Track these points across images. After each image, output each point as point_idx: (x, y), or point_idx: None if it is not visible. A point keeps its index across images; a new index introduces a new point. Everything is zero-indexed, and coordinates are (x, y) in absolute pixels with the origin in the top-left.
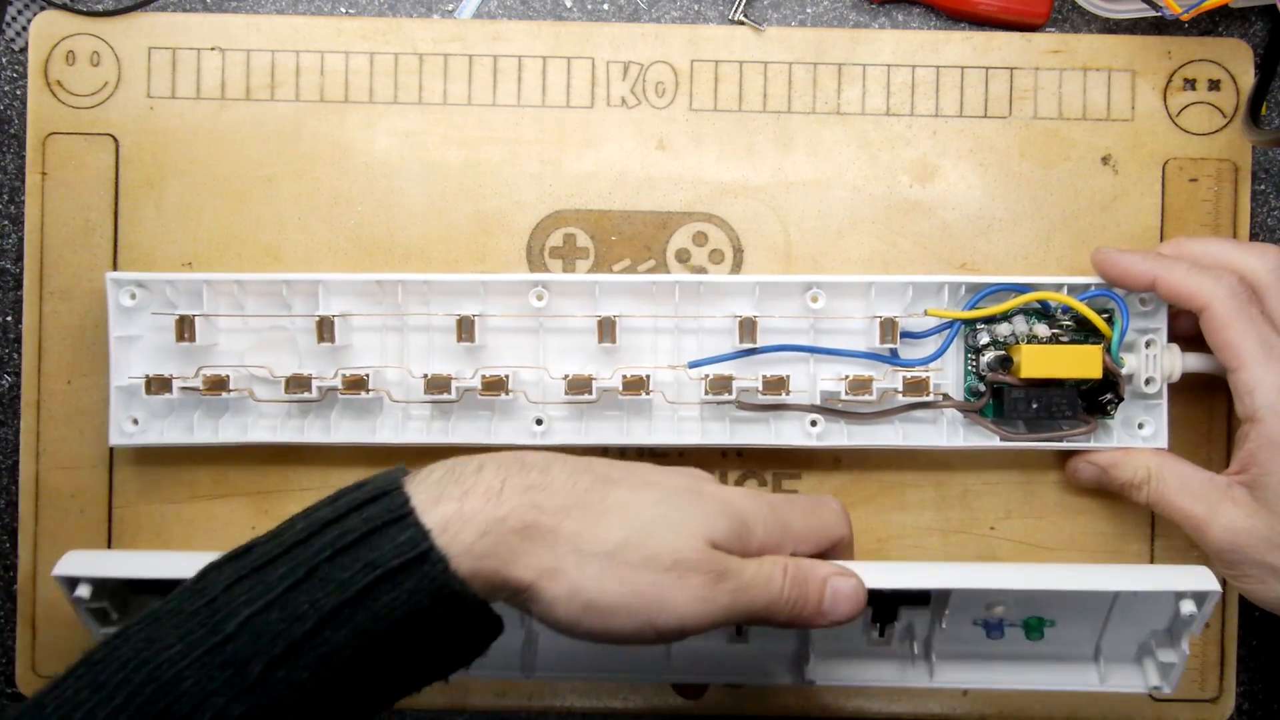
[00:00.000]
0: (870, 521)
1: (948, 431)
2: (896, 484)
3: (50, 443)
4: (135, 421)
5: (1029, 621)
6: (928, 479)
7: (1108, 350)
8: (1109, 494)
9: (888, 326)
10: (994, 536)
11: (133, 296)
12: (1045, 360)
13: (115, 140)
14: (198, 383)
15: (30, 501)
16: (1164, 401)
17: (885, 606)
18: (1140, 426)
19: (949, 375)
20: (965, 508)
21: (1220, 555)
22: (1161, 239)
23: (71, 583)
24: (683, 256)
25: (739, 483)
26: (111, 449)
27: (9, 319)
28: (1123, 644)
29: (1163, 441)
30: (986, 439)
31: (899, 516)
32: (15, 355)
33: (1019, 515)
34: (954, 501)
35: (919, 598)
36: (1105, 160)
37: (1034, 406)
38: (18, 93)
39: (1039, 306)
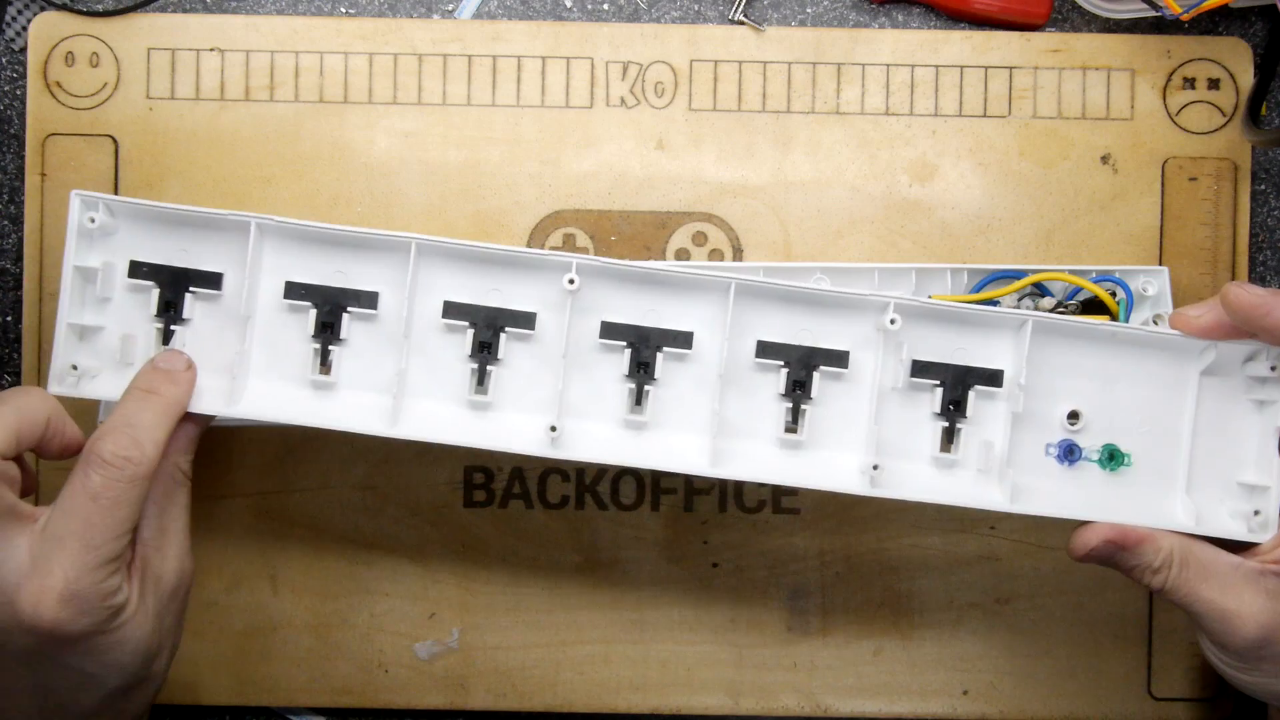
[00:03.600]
0: (871, 522)
1: None
2: None
3: None
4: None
5: (1107, 449)
6: None
7: None
8: None
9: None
10: (994, 536)
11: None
12: None
13: (115, 141)
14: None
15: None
16: None
17: (956, 385)
18: None
19: None
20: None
21: (1247, 650)
22: (1161, 238)
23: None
24: (682, 256)
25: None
26: None
27: (9, 319)
28: (1209, 483)
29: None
30: None
31: (899, 516)
32: (15, 355)
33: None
34: None
35: (992, 377)
36: (1105, 159)
37: None
38: (18, 93)
39: (1041, 294)
